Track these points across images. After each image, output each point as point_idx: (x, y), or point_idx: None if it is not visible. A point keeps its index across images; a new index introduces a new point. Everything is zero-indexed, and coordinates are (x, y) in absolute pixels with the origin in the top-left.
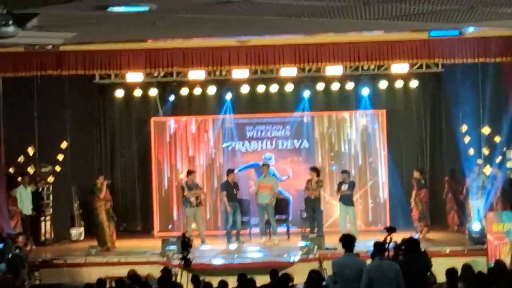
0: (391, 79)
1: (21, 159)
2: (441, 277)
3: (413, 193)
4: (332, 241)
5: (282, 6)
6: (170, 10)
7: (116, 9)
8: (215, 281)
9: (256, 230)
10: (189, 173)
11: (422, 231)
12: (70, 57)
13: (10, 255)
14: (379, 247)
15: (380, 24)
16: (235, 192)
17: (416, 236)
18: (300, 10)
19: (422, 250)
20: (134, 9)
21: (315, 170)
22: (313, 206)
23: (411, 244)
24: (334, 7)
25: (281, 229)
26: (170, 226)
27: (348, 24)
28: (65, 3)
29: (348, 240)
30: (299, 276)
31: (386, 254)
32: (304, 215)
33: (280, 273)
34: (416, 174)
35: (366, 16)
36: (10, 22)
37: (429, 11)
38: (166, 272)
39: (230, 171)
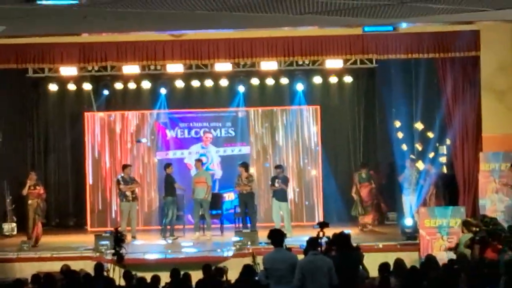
0: (325, 74)
1: None
2: (374, 272)
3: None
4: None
5: (214, 0)
6: (100, 3)
7: (45, 2)
8: (148, 276)
9: (190, 225)
10: (125, 167)
11: (366, 224)
12: (2, 50)
13: None
14: (312, 242)
15: (313, 19)
16: (172, 187)
17: (347, 231)
18: (232, 4)
19: (354, 245)
20: (63, 2)
21: (244, 165)
22: (245, 201)
23: (341, 239)
24: (266, 1)
25: (215, 224)
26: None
27: (281, 19)
28: None
29: (276, 235)
30: (233, 271)
31: (319, 249)
32: (238, 210)
33: (213, 267)
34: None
35: (298, 11)
36: None
37: (361, 5)
38: (99, 267)
39: (168, 165)
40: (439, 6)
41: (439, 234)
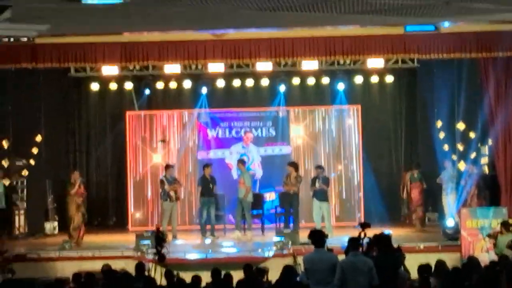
0: (367, 74)
1: None
2: (415, 273)
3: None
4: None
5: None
6: (145, 3)
7: (90, 1)
8: (188, 276)
9: (231, 225)
10: (167, 167)
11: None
12: (45, 50)
13: None
14: (353, 243)
15: (355, 18)
16: (211, 187)
17: (388, 231)
18: (276, 3)
19: (396, 246)
20: (108, 2)
21: (294, 165)
22: (290, 201)
23: (382, 240)
24: (310, 1)
25: (256, 224)
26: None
27: (323, 18)
28: None
29: (317, 236)
30: (273, 271)
31: (360, 249)
32: (279, 210)
33: (254, 268)
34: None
35: (341, 10)
36: None
37: (404, 5)
38: (140, 266)
39: (207, 166)
40: (484, 6)
41: (481, 235)
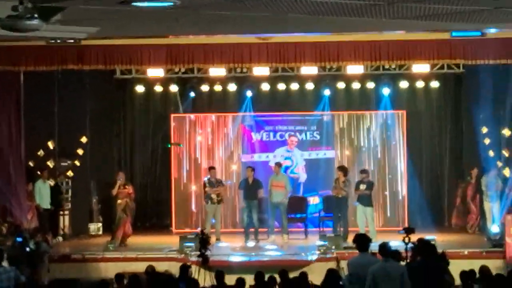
0: (412, 79)
1: (41, 153)
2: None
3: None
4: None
5: (307, 4)
6: (194, 6)
7: (141, 4)
8: (232, 278)
9: (276, 228)
10: (210, 169)
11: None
12: (91, 51)
13: (28, 250)
14: (383, 249)
15: (403, 23)
16: (254, 190)
17: (432, 237)
18: (325, 8)
19: (440, 251)
20: (158, 4)
21: (343, 169)
22: (339, 206)
23: (424, 246)
24: (359, 6)
25: (299, 228)
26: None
27: (370, 23)
28: None
29: (361, 240)
30: (316, 275)
31: (404, 255)
32: (322, 214)
33: (299, 272)
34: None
35: (390, 15)
36: (35, 15)
37: (452, 11)
38: (184, 268)
39: (249, 169)
40: None
41: None
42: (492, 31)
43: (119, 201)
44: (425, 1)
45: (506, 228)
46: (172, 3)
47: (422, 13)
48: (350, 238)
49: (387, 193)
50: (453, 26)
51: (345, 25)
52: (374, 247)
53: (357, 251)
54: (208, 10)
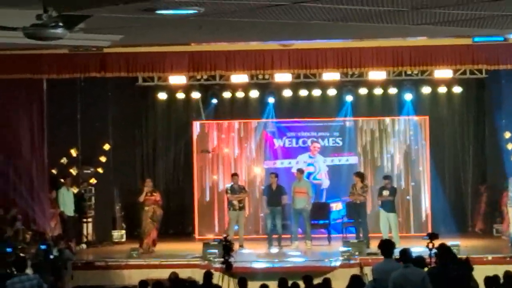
0: (434, 84)
1: (64, 160)
2: (483, 286)
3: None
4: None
5: (330, 11)
6: (218, 13)
7: (165, 11)
8: (255, 285)
9: (299, 234)
10: (233, 176)
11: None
12: (114, 59)
13: (51, 257)
14: (404, 255)
15: (426, 29)
16: (277, 197)
17: (456, 242)
18: (348, 14)
19: (464, 257)
20: (182, 12)
21: (360, 175)
22: (358, 211)
23: (442, 251)
24: (382, 12)
25: (322, 234)
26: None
27: (394, 29)
28: (114, 6)
29: (386, 246)
30: (340, 281)
31: (428, 260)
32: (345, 220)
33: (322, 278)
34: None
35: (414, 21)
36: (60, 24)
37: (476, 16)
38: (208, 275)
39: (272, 175)
40: None
41: None
42: None
43: (146, 208)
44: (449, 6)
45: None
46: (196, 11)
47: (445, 19)
48: (371, 243)
49: (410, 198)
50: (476, 31)
51: (368, 31)
52: (397, 253)
53: (380, 257)
54: (231, 18)
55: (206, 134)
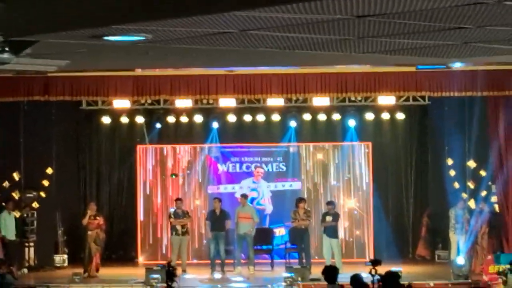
0: (378, 111)
1: (6, 184)
2: None
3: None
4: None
5: (277, 39)
6: (165, 40)
7: (113, 38)
8: None
9: (242, 260)
10: (176, 200)
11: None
12: (58, 83)
13: None
14: (355, 280)
15: (371, 57)
16: (221, 222)
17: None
18: (295, 42)
19: (406, 283)
20: (130, 39)
21: (302, 201)
22: (302, 236)
23: (388, 278)
24: (329, 40)
25: (265, 260)
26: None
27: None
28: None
29: (330, 272)
30: None
31: (371, 287)
32: (288, 245)
33: None
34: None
35: (359, 50)
36: (6, 49)
37: (421, 45)
38: None
39: (216, 200)
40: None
41: (500, 279)
42: (457, 66)
43: (89, 232)
44: (395, 35)
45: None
46: (143, 38)
47: (390, 48)
48: (314, 269)
49: (352, 224)
50: (420, 60)
51: (314, 59)
52: (341, 278)
53: (323, 283)
54: (178, 44)
55: (150, 158)
